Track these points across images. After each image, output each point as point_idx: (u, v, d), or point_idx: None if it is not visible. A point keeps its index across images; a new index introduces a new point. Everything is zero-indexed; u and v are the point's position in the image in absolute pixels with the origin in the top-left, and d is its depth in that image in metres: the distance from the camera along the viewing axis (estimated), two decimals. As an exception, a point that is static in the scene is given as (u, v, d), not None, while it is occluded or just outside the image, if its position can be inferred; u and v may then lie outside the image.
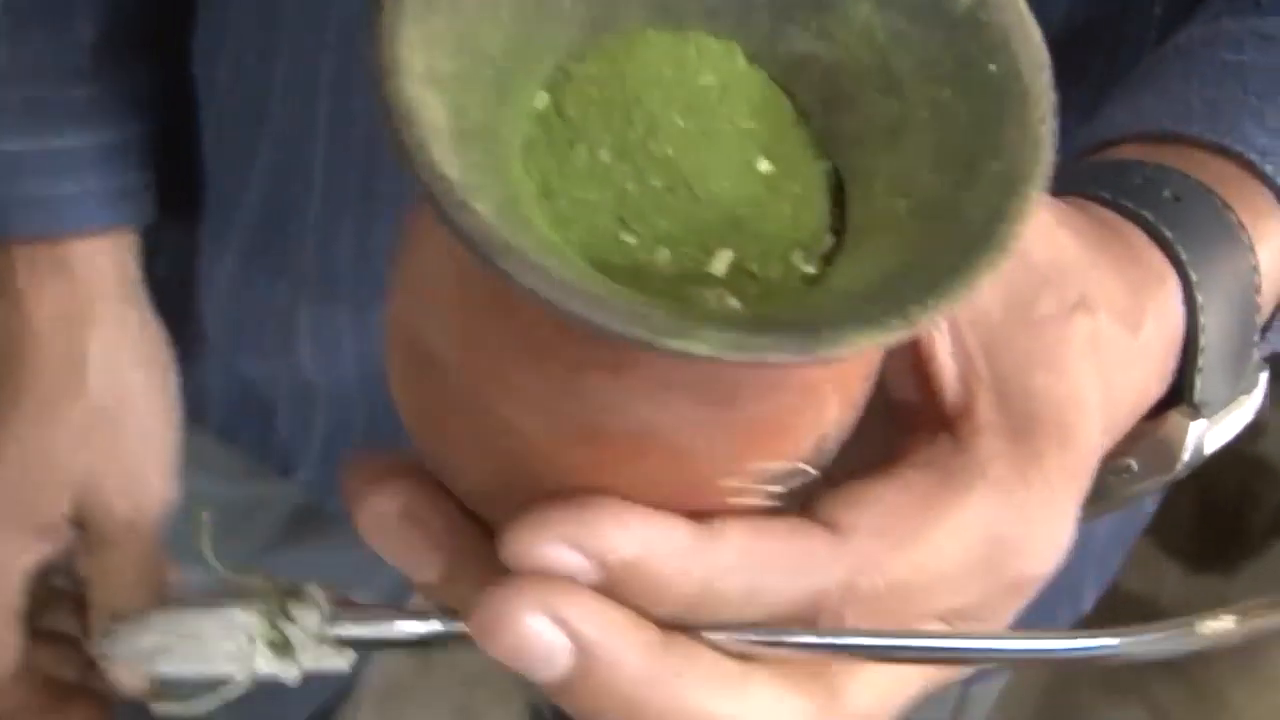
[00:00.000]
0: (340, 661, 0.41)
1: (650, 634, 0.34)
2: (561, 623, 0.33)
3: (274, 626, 0.41)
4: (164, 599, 0.64)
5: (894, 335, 0.30)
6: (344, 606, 0.41)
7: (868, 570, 0.35)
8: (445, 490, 0.36)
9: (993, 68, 0.34)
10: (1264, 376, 0.45)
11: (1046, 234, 0.39)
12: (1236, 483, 1.73)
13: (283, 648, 0.41)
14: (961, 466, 0.36)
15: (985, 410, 0.37)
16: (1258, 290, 0.42)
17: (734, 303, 0.33)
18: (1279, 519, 1.72)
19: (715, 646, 0.34)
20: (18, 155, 0.63)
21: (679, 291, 0.33)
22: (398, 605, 0.40)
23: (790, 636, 0.34)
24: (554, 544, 0.33)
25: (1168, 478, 0.43)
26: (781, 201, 0.34)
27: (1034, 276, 0.38)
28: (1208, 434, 0.43)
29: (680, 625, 0.34)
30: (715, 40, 0.35)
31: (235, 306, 0.69)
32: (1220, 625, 0.35)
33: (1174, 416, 0.42)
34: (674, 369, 0.32)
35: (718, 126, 0.35)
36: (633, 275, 0.33)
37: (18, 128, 0.63)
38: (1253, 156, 0.43)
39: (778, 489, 0.35)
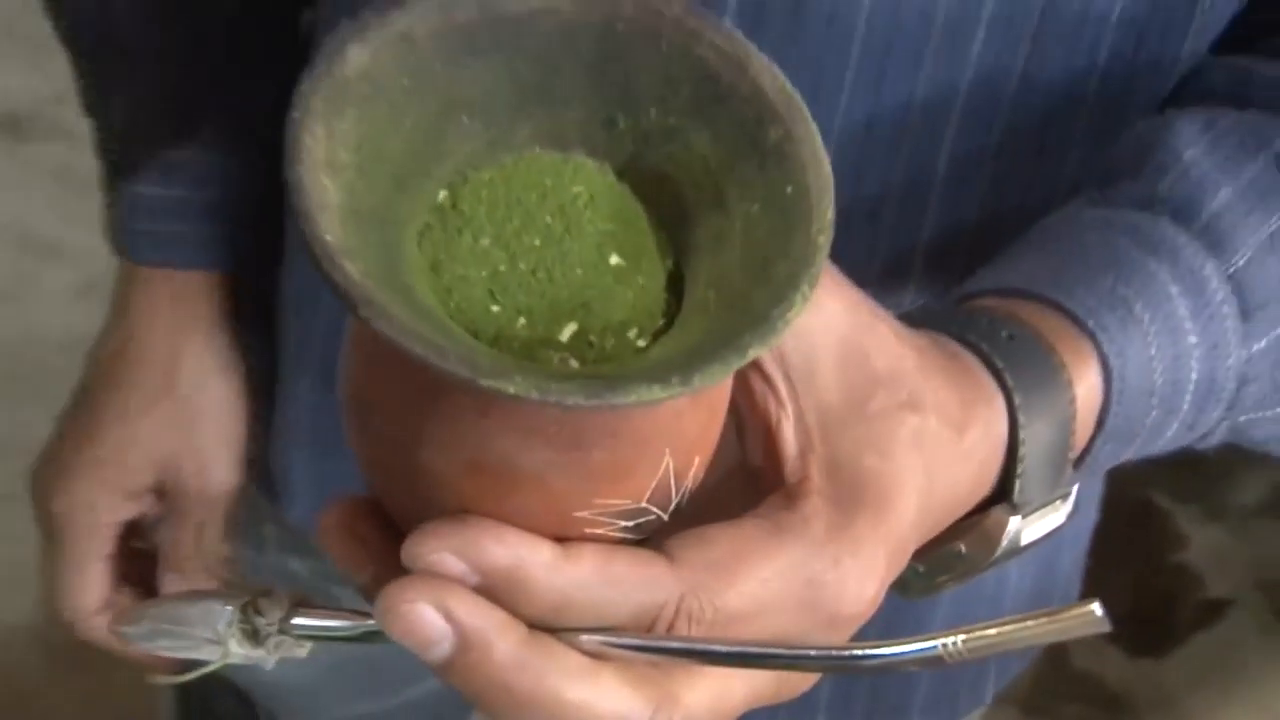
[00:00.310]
0: (299, 650, 0.45)
1: (518, 629, 0.38)
2: (446, 612, 0.37)
3: (245, 618, 0.45)
4: (216, 568, 0.76)
5: (671, 392, 0.34)
6: (303, 605, 0.45)
7: (696, 594, 0.39)
8: (386, 515, 0.40)
9: (789, 189, 0.37)
10: (1076, 488, 0.49)
11: (887, 346, 0.43)
12: (1164, 586, 1.84)
13: (252, 636, 0.45)
14: (788, 521, 0.40)
15: (817, 479, 0.41)
16: (1073, 418, 0.46)
17: (574, 364, 0.37)
18: (1199, 616, 1.82)
19: (571, 645, 0.38)
20: (149, 198, 0.74)
21: (532, 353, 0.37)
22: (347, 608, 0.44)
23: (628, 639, 0.39)
24: (443, 552, 0.37)
25: (990, 562, 0.47)
26: (626, 289, 0.38)
27: (871, 379, 0.42)
28: (1024, 530, 0.47)
29: (544, 627, 0.38)
30: (591, 161, 0.39)
31: (313, 422, 0.76)
32: (951, 640, 0.39)
33: (995, 511, 0.46)
34: (529, 415, 0.36)
35: (582, 227, 0.38)
36: (495, 337, 0.37)
37: (149, 176, 0.73)
38: (1081, 314, 0.47)
39: (628, 524, 0.39)
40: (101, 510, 0.75)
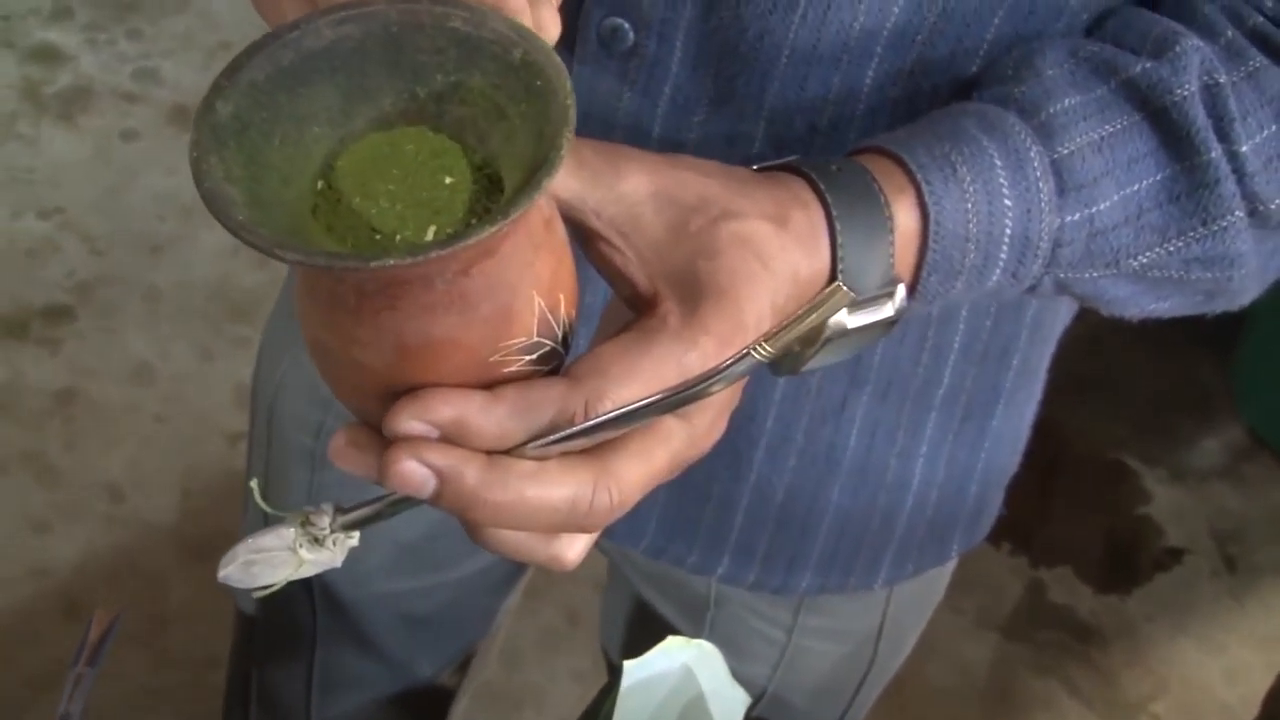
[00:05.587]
0: (353, 542, 0.50)
1: (478, 458, 0.44)
2: (422, 460, 0.43)
3: (305, 531, 0.50)
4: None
5: (497, 225, 0.41)
6: (340, 510, 0.50)
7: (597, 396, 0.45)
8: (370, 426, 0.46)
9: (539, 83, 0.44)
10: (900, 289, 0.53)
11: (691, 183, 0.49)
12: (1129, 535, 2.01)
13: (316, 542, 0.50)
14: (649, 324, 0.47)
15: (663, 290, 0.48)
16: (891, 236, 0.52)
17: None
18: (1160, 561, 2.00)
19: (519, 456, 0.45)
20: None
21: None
22: (372, 496, 0.49)
23: (552, 436, 0.45)
24: (408, 421, 0.44)
25: (824, 338, 0.51)
26: (462, 194, 0.45)
27: (684, 209, 0.49)
28: (851, 316, 0.52)
29: (498, 452, 0.45)
30: (411, 128, 0.46)
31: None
32: (758, 345, 0.47)
33: (823, 292, 0.51)
34: (426, 294, 0.42)
35: (418, 169, 0.45)
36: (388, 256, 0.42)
37: None
38: (911, 166, 0.53)
39: (531, 357, 0.45)
40: None
